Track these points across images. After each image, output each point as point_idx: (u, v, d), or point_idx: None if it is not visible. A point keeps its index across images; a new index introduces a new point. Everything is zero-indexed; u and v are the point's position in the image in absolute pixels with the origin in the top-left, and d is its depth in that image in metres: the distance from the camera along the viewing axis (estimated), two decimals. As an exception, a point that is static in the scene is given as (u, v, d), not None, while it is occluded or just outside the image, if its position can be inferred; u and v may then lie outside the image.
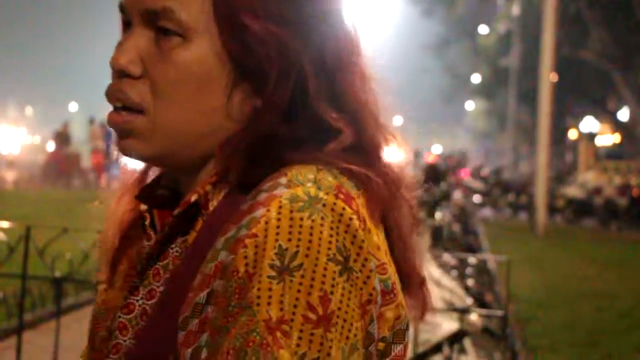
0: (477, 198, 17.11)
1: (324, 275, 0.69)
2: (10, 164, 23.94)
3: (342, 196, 0.74)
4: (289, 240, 0.70)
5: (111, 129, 0.85)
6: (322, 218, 0.71)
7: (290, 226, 0.70)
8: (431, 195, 7.98)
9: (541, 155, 16.24)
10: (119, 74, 0.81)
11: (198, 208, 0.81)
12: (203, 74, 0.79)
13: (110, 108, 0.83)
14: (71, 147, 21.46)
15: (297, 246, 0.70)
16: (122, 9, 0.84)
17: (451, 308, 3.92)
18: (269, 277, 0.69)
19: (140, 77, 0.81)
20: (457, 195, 10.43)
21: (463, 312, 3.83)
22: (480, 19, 37.38)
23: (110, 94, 0.82)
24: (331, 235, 0.71)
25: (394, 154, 0.86)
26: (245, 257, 0.70)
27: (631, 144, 27.60)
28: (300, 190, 0.73)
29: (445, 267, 4.96)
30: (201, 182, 0.82)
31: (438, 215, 7.25)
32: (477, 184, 17.73)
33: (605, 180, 19.73)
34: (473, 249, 8.15)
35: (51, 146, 21.61)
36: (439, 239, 6.56)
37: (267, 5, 0.79)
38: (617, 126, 30.55)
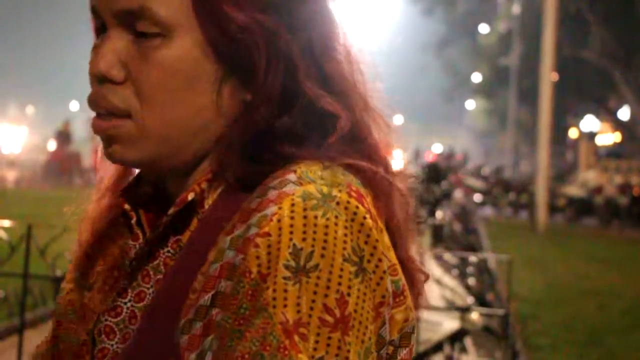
0: (477, 197, 17.10)
1: (340, 277, 0.67)
2: (11, 163, 23.95)
3: (354, 194, 0.71)
4: (304, 239, 0.67)
5: None
6: (336, 217, 0.68)
7: (305, 225, 0.67)
8: (432, 194, 7.98)
9: (542, 154, 16.25)
10: (100, 79, 0.77)
11: (193, 206, 0.78)
12: (189, 71, 0.76)
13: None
14: (72, 146, 21.47)
15: (313, 246, 0.67)
16: (95, 11, 0.79)
17: (452, 307, 3.92)
18: (284, 278, 0.66)
19: (122, 81, 0.76)
20: (458, 194, 10.42)
21: (464, 311, 3.83)
22: (480, 18, 37.39)
23: (93, 102, 0.78)
24: (346, 235, 0.68)
25: (386, 139, 0.83)
26: (258, 258, 0.67)
27: (632, 143, 27.60)
28: (313, 188, 0.70)
29: (446, 266, 4.96)
30: (196, 179, 0.79)
31: (439, 214, 7.24)
32: (477, 183, 17.71)
33: (606, 179, 19.73)
34: (474, 248, 8.14)
35: (52, 145, 21.62)
36: (440, 238, 6.55)
37: None
38: (618, 125, 30.54)
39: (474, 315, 3.92)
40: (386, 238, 0.73)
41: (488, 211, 19.15)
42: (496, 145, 50.04)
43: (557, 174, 24.11)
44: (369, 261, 0.69)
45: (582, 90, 29.21)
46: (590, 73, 27.81)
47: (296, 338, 0.64)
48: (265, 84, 0.76)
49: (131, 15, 0.75)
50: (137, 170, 0.88)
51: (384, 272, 0.71)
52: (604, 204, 18.34)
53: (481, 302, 5.00)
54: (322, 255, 0.67)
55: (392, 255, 0.73)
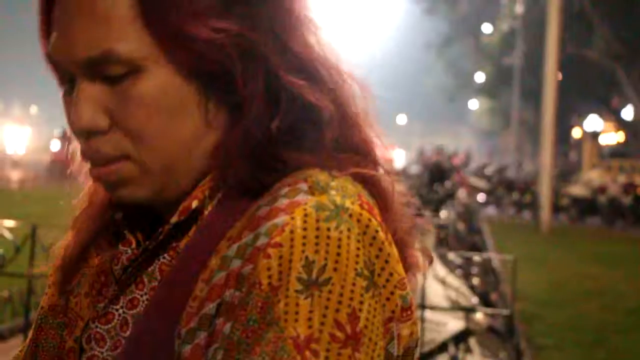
0: (481, 197, 17.09)
1: (352, 291, 0.65)
2: (15, 163, 23.99)
3: (365, 206, 0.70)
4: (316, 252, 0.65)
5: None
6: (349, 229, 0.67)
7: (317, 237, 0.66)
8: (436, 194, 7.99)
9: (545, 154, 16.22)
10: (86, 135, 0.75)
11: (195, 215, 0.77)
12: (170, 99, 0.74)
13: None
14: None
15: (325, 259, 0.65)
16: (55, 63, 0.77)
17: (456, 307, 3.91)
18: (296, 291, 0.64)
19: (109, 128, 0.75)
20: (462, 194, 10.41)
21: (468, 311, 3.83)
22: (483, 17, 37.33)
23: (89, 158, 0.77)
24: (358, 249, 0.67)
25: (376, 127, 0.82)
26: (269, 269, 0.65)
27: (635, 143, 27.53)
28: (326, 199, 0.68)
29: (450, 266, 4.96)
30: (199, 187, 0.77)
31: (443, 214, 7.24)
32: (481, 183, 17.70)
33: (610, 178, 19.68)
34: (478, 248, 8.14)
35: (56, 145, 21.64)
36: (444, 238, 6.54)
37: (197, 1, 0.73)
38: (622, 125, 30.47)
39: (479, 316, 3.92)
40: (396, 251, 0.72)
41: (491, 211, 19.13)
42: (499, 144, 50.03)
43: (561, 173, 24.04)
44: (379, 275, 0.68)
45: (586, 89, 29.17)
46: (594, 72, 27.76)
47: (307, 354, 0.62)
48: (248, 88, 0.75)
49: (95, 63, 0.73)
50: None
51: (395, 286, 0.70)
52: (608, 204, 18.30)
53: (485, 302, 5.00)
54: (335, 269, 0.65)
55: (400, 268, 0.72)
